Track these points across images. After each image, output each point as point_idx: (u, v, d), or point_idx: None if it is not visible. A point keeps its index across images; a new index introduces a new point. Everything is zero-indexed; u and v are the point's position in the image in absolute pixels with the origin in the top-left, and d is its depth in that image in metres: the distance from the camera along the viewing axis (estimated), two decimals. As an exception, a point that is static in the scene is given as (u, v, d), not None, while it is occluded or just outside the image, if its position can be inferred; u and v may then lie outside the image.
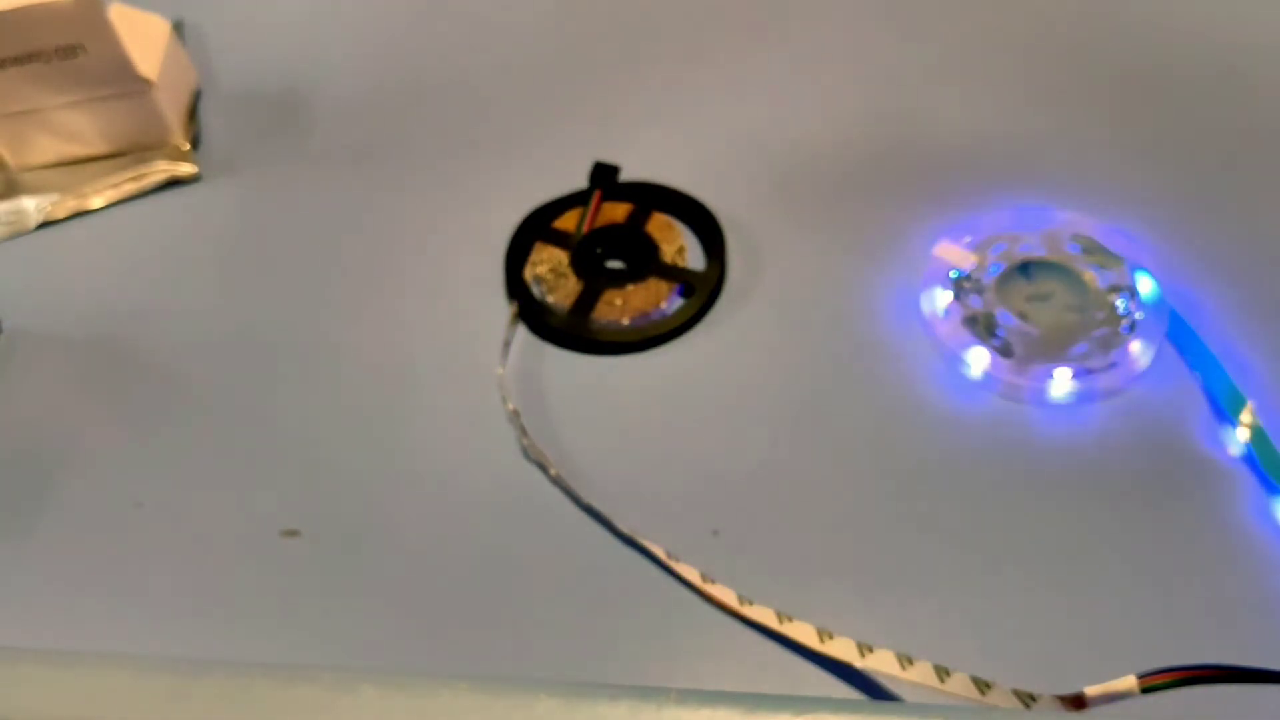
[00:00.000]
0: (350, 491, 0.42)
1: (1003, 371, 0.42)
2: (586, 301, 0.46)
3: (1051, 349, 0.43)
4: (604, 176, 0.51)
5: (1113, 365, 0.42)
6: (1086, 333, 0.43)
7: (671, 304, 0.46)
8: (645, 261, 0.47)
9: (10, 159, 0.54)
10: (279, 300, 0.48)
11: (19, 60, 0.49)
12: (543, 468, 0.42)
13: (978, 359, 0.42)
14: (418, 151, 0.54)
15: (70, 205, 0.53)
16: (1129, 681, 0.31)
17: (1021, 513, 0.39)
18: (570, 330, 0.45)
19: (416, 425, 0.44)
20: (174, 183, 0.53)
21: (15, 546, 0.41)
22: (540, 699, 0.25)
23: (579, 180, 0.51)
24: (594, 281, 0.47)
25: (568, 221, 0.49)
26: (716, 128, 0.53)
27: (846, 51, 0.56)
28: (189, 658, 0.26)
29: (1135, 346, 0.42)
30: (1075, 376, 0.42)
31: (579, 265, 0.47)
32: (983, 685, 0.33)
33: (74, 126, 0.53)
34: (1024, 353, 0.42)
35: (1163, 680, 0.31)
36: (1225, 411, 0.41)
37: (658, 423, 0.43)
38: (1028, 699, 0.33)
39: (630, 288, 0.46)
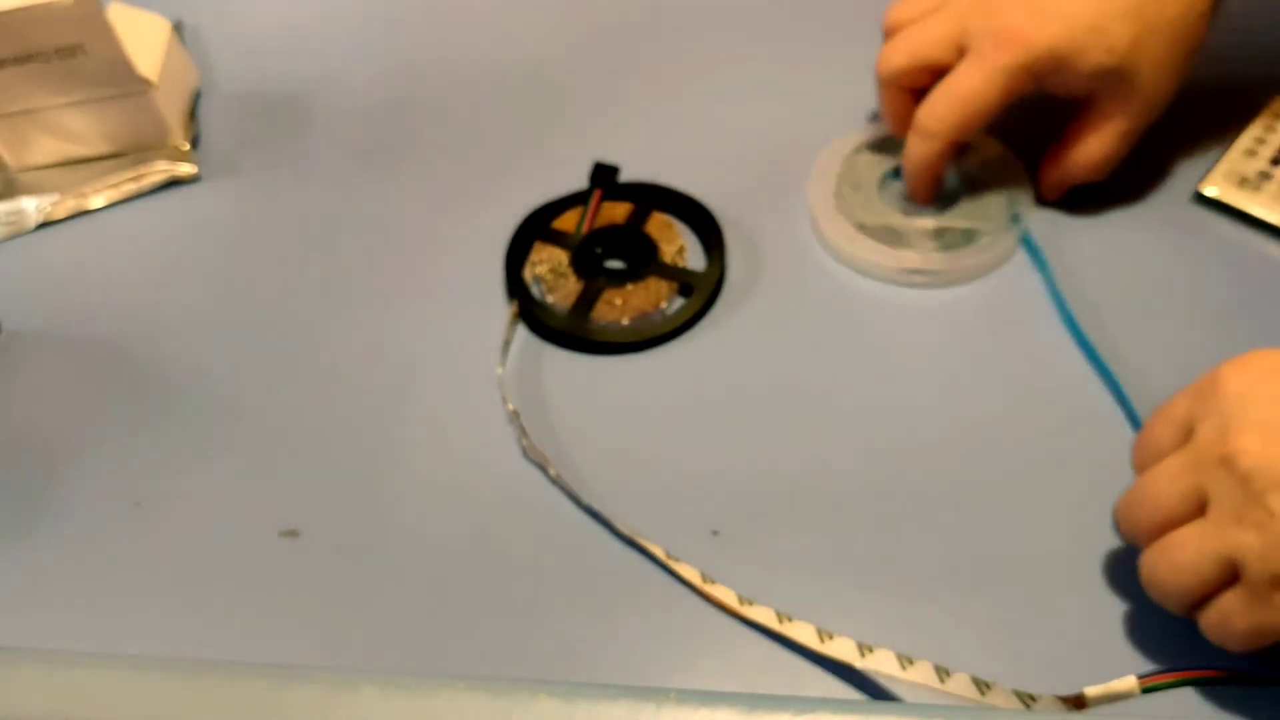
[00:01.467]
0: (350, 491, 0.42)
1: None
2: (586, 301, 0.46)
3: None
4: (604, 176, 0.51)
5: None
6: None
7: (672, 304, 0.46)
8: (645, 261, 0.47)
9: (10, 159, 0.54)
10: (278, 300, 0.48)
11: (19, 60, 0.49)
12: (543, 468, 0.42)
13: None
14: (417, 151, 0.54)
15: (70, 205, 0.53)
16: (1129, 681, 0.31)
17: (1020, 513, 0.39)
18: (570, 330, 0.45)
19: (416, 425, 0.44)
20: (174, 183, 0.54)
21: (15, 546, 0.41)
22: (540, 699, 0.25)
23: (579, 180, 0.51)
24: (594, 281, 0.47)
25: (568, 221, 0.49)
26: (716, 128, 0.53)
27: (846, 52, 0.56)
28: (189, 658, 0.26)
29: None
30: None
31: (579, 265, 0.47)
32: (983, 685, 0.33)
33: (74, 126, 0.53)
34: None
35: (1163, 680, 0.31)
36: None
37: (657, 423, 0.43)
38: (1028, 699, 0.33)
39: (630, 288, 0.46)
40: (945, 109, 0.43)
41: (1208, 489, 0.31)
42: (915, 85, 0.46)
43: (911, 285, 0.46)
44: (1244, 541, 0.30)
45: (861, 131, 0.51)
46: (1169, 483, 0.33)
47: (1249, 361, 0.32)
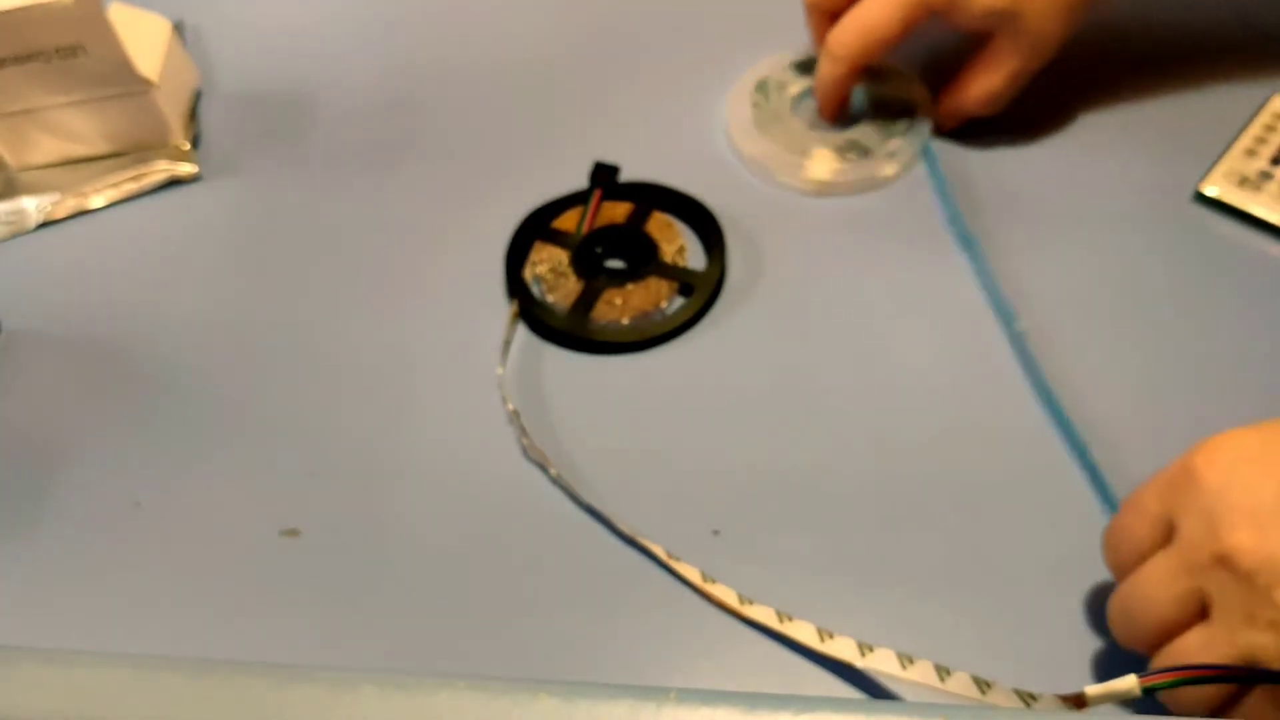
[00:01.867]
0: (350, 491, 0.42)
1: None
2: (586, 301, 0.46)
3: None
4: (604, 176, 0.51)
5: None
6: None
7: (672, 304, 0.46)
8: (645, 261, 0.47)
9: (10, 159, 0.54)
10: (279, 300, 0.48)
11: (19, 60, 0.49)
12: (543, 468, 0.42)
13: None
14: (417, 151, 0.54)
15: (70, 205, 0.53)
16: (1129, 681, 0.31)
17: (1021, 512, 0.39)
18: (570, 330, 0.45)
19: (416, 425, 0.44)
20: (174, 183, 0.54)
21: (15, 546, 0.41)
22: (540, 699, 0.25)
23: (579, 180, 0.51)
24: (594, 281, 0.47)
25: (568, 221, 0.49)
26: (716, 127, 0.53)
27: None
28: (189, 658, 0.26)
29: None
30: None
31: (579, 265, 0.47)
32: (983, 685, 0.33)
33: (74, 126, 0.53)
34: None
35: (1163, 680, 0.31)
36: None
37: (658, 423, 0.43)
38: (1028, 698, 0.33)
39: (630, 287, 0.46)
40: (850, 34, 0.48)
41: (1207, 591, 0.30)
42: (834, 9, 0.50)
43: (817, 196, 0.50)
44: (1259, 642, 0.29)
45: (780, 55, 0.55)
46: (1163, 588, 0.31)
47: (1220, 448, 0.31)
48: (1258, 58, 0.52)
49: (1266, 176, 0.47)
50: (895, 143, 0.50)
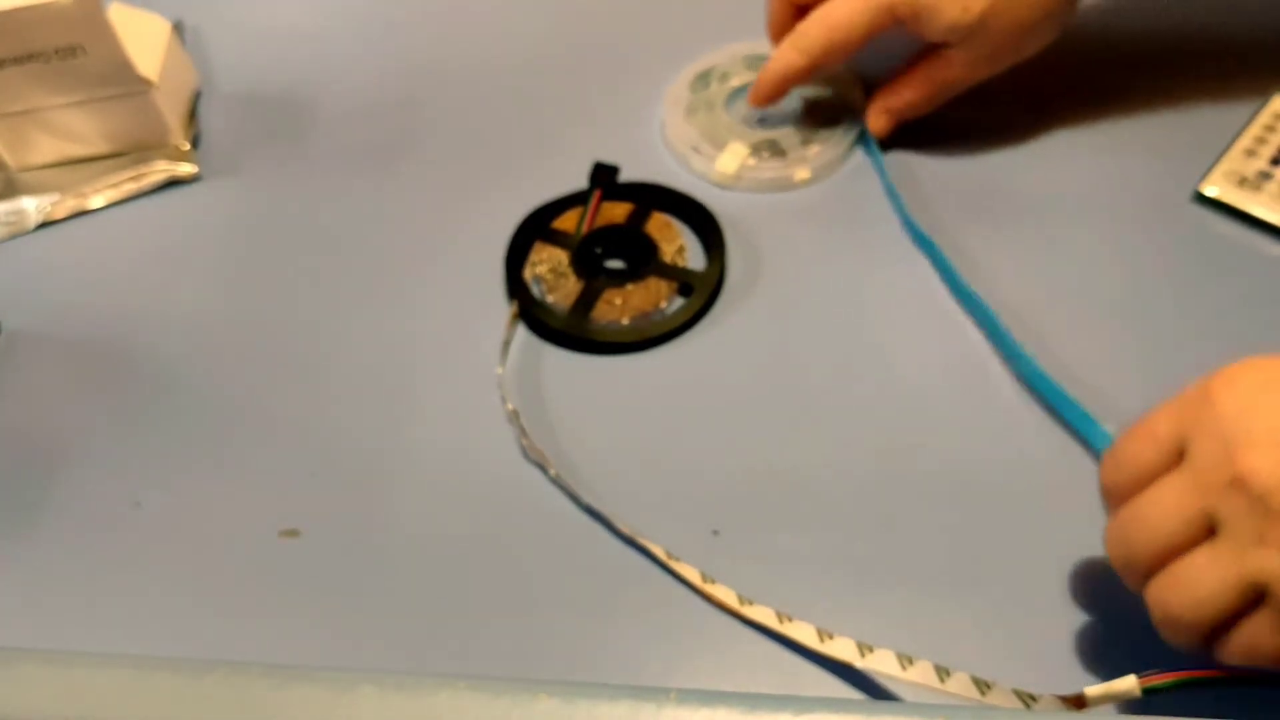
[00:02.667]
0: (350, 491, 0.42)
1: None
2: (586, 301, 0.46)
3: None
4: (604, 176, 0.51)
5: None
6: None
7: (672, 304, 0.46)
8: (645, 261, 0.47)
9: (10, 159, 0.54)
10: (278, 300, 0.48)
11: (19, 60, 0.49)
12: (543, 468, 0.42)
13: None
14: (417, 152, 0.54)
15: (70, 205, 0.53)
16: (1129, 681, 0.31)
17: (1021, 512, 0.39)
18: (570, 330, 0.45)
19: (416, 425, 0.44)
20: (174, 183, 0.54)
21: (15, 546, 0.41)
22: (540, 699, 0.25)
23: (579, 180, 0.51)
24: (594, 281, 0.47)
25: (568, 221, 0.49)
26: (716, 128, 0.53)
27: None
28: (189, 658, 0.26)
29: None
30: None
31: (579, 265, 0.47)
32: (983, 685, 0.33)
33: (74, 126, 0.53)
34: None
35: (1163, 680, 0.31)
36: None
37: (658, 423, 0.43)
38: (1028, 699, 0.33)
39: (630, 287, 0.46)
40: (816, 30, 0.48)
41: (1218, 513, 0.30)
42: (800, 1, 0.50)
43: (725, 188, 0.51)
44: (1269, 563, 0.29)
45: (716, 53, 0.56)
46: (1170, 509, 0.31)
47: (1239, 375, 0.31)
48: (1258, 58, 0.52)
49: (1266, 176, 0.47)
50: (814, 148, 0.51)
